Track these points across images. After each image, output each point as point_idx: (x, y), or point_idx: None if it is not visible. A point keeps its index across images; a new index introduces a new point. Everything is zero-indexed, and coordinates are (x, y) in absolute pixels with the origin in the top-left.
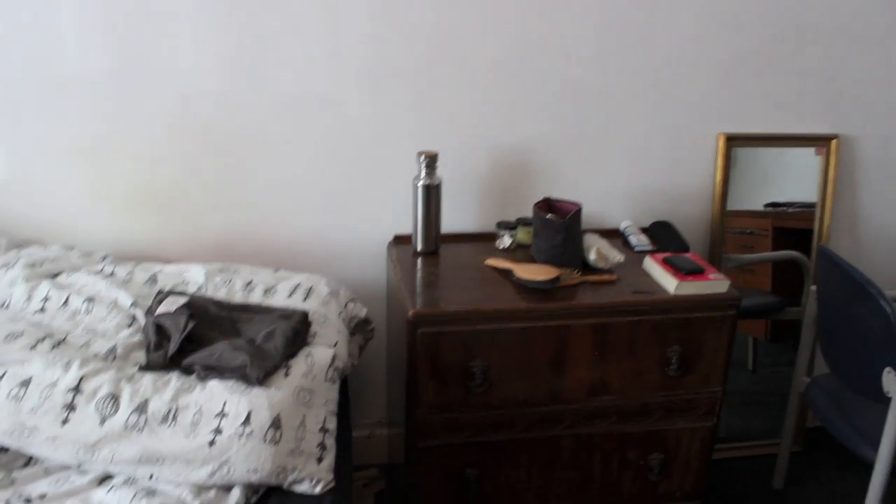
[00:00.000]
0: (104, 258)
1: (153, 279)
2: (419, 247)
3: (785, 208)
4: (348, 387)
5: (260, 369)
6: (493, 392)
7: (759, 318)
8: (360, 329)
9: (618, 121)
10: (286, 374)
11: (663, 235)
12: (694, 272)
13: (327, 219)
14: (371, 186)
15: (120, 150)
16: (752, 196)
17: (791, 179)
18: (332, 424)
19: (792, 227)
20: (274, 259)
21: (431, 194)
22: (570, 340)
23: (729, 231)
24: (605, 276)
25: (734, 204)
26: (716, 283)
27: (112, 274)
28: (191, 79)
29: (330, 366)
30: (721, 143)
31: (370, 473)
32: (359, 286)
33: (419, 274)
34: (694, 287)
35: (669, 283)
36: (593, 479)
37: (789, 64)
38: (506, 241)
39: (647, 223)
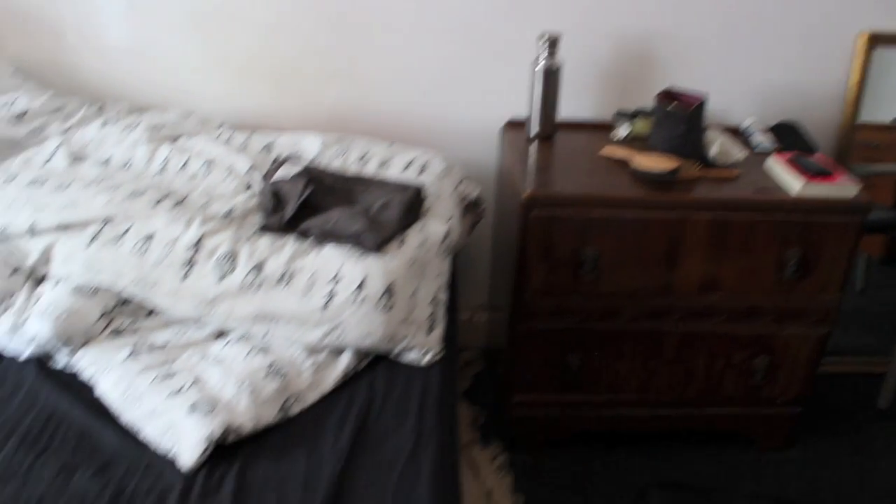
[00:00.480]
0: (221, 125)
1: (269, 147)
2: (534, 131)
3: None
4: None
5: (376, 237)
6: (603, 280)
7: (876, 233)
8: (470, 209)
9: (748, 12)
10: (401, 245)
11: (788, 136)
12: (821, 174)
13: (442, 98)
14: (488, 68)
15: (240, 18)
16: (882, 107)
17: None
18: (443, 297)
19: None
20: (386, 135)
21: (551, 78)
22: (686, 234)
23: (853, 141)
24: (726, 172)
25: (865, 114)
26: (844, 187)
27: (229, 140)
28: None
29: (444, 240)
30: (862, 42)
31: (469, 355)
32: (470, 167)
33: (533, 159)
34: (820, 189)
35: (794, 183)
36: (695, 377)
37: None
38: (623, 131)
39: (771, 123)
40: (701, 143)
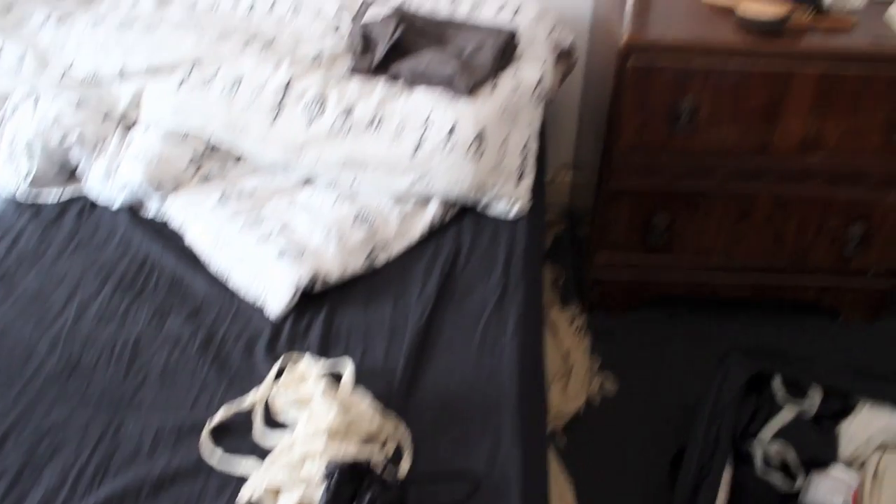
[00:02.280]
0: None
1: None
2: None
3: None
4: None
5: (468, 80)
6: (698, 136)
7: None
8: (562, 58)
9: None
10: (493, 90)
11: None
12: None
13: None
14: None
15: None
16: None
17: None
18: (534, 145)
19: None
20: None
21: None
22: (791, 88)
23: None
24: (842, 21)
25: None
26: None
27: None
28: None
29: (536, 86)
30: None
31: (550, 216)
32: (563, 13)
33: (630, 3)
34: None
35: None
36: (784, 243)
37: None
38: None
39: None
40: None
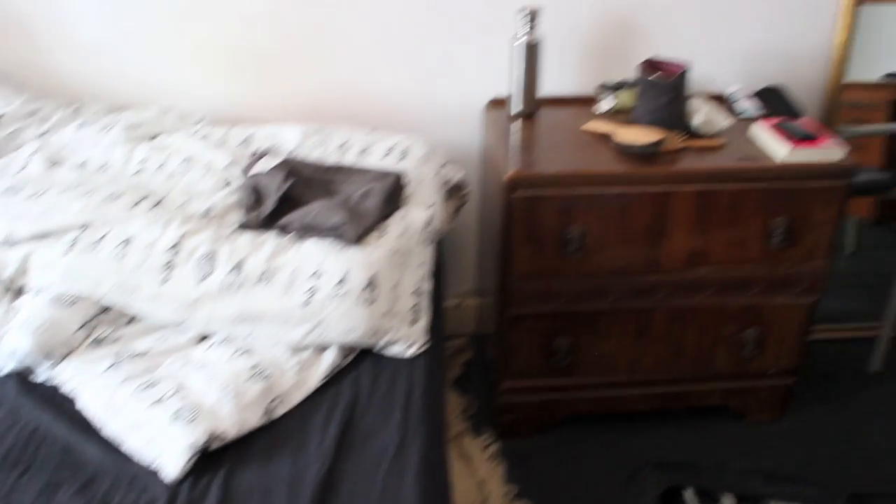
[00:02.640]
0: (200, 120)
1: (248, 141)
2: (516, 109)
3: None
4: (442, 253)
5: (356, 228)
6: (589, 259)
7: (866, 195)
8: (454, 193)
9: None
10: (382, 235)
11: (773, 101)
12: (807, 138)
13: (422, 80)
14: (467, 46)
15: (217, 9)
16: (870, 65)
17: None
18: (426, 286)
19: None
20: (368, 121)
21: (531, 53)
22: (671, 208)
23: (840, 103)
24: (710, 142)
25: (851, 73)
26: (830, 151)
27: (208, 136)
28: None
29: (425, 227)
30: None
31: (458, 343)
32: (453, 150)
33: (515, 137)
34: (806, 154)
35: (780, 149)
36: (685, 354)
37: None
38: (607, 104)
39: (757, 88)
40: (684, 113)
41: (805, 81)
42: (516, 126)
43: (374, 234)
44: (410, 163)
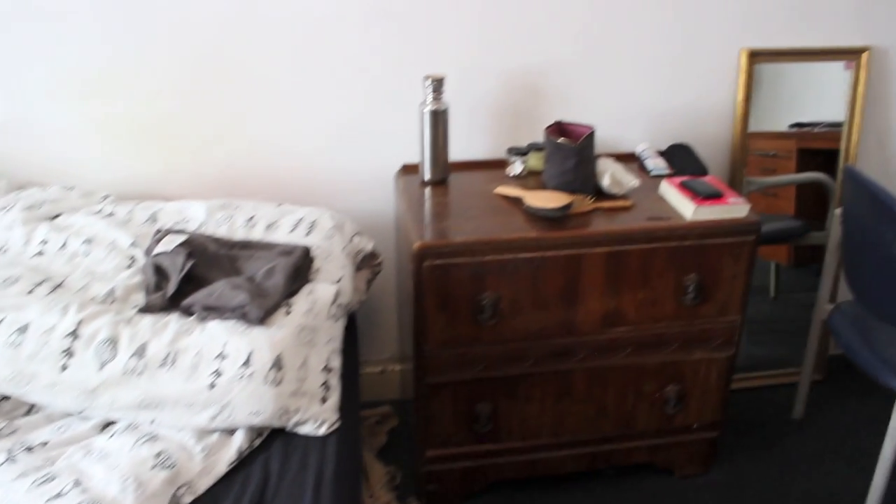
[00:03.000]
0: (104, 198)
1: (153, 218)
2: (427, 176)
3: (810, 128)
4: (356, 323)
5: (260, 308)
6: (505, 325)
7: (781, 243)
8: (367, 263)
9: (632, 36)
10: (287, 313)
11: (681, 159)
12: (712, 196)
13: (333, 149)
14: (377, 114)
15: (121, 83)
16: (777, 116)
17: (818, 98)
18: (336, 363)
19: (818, 147)
20: (279, 193)
21: (439, 120)
22: (583, 270)
23: (751, 153)
24: (620, 203)
25: (758, 125)
26: (735, 208)
27: (112, 214)
28: (189, 5)
29: (333, 302)
30: (744, 59)
31: (383, 410)
32: (367, 218)
33: (427, 204)
34: (712, 212)
35: (686, 208)
36: (607, 413)
37: None
38: (517, 167)
39: (664, 146)
40: (592, 175)
41: (711, 136)
42: (427, 192)
43: (280, 312)
44: (318, 236)
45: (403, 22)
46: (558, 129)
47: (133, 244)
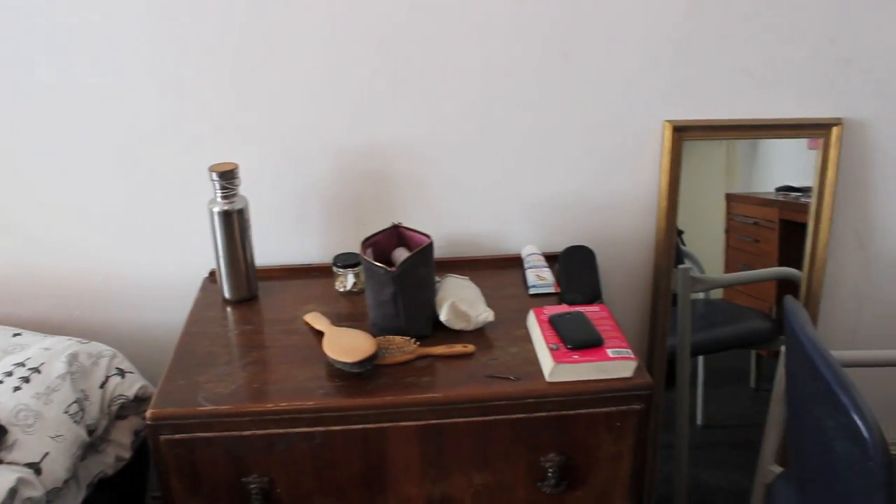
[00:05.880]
0: None
1: None
2: (225, 293)
3: (799, 195)
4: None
5: None
6: None
7: (747, 348)
8: (135, 410)
9: (519, 108)
10: None
11: (574, 269)
12: (585, 345)
13: (124, 251)
14: (174, 212)
15: None
16: (765, 175)
17: (809, 158)
18: None
19: (804, 221)
20: (68, 300)
21: (233, 223)
22: (389, 448)
23: (732, 219)
24: (456, 349)
25: (746, 185)
26: (615, 365)
27: None
28: None
29: (12, 496)
30: (668, 134)
31: None
32: (165, 337)
33: (204, 340)
34: (577, 372)
35: (545, 362)
36: None
37: (774, 22)
38: (349, 281)
39: (563, 245)
40: (427, 305)
41: (630, 230)
42: (227, 314)
43: None
44: (33, 389)
45: (201, 92)
46: (395, 234)
47: None
